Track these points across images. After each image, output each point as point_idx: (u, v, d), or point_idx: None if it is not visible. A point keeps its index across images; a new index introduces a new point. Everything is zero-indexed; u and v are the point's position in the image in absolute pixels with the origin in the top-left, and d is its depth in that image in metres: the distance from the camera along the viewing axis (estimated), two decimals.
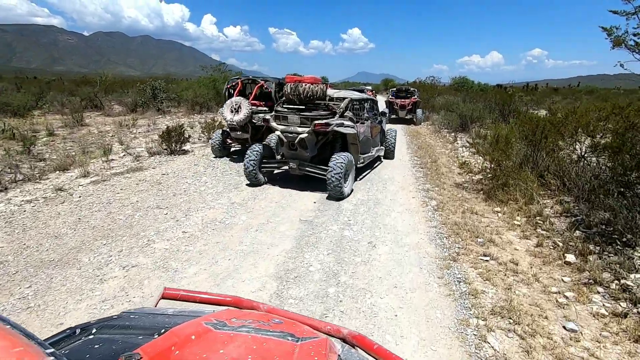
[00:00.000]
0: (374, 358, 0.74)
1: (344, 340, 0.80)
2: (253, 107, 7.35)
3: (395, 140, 7.65)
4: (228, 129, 7.51)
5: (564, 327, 2.42)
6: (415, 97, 14.47)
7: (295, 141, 5.01)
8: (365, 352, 0.76)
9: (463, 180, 6.07)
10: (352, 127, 5.15)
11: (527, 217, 4.33)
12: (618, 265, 3.04)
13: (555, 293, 2.81)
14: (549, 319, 2.51)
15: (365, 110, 6.22)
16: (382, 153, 7.34)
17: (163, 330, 0.65)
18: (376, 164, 7.24)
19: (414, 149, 9.00)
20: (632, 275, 2.88)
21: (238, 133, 7.40)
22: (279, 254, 3.42)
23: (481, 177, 5.95)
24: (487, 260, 3.30)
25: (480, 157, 6.00)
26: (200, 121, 11.83)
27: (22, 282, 2.85)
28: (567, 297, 2.75)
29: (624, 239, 3.44)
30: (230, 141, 7.88)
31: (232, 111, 7.09)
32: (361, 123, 5.72)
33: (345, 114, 5.25)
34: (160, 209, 4.50)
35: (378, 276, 3.03)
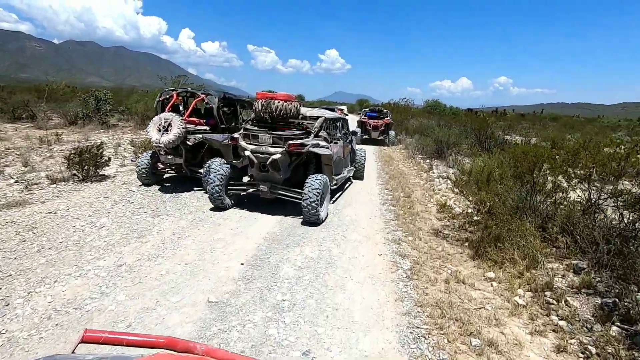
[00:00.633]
0: None
1: None
2: (189, 125, 5.95)
3: (365, 160, 7.42)
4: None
5: None
6: (388, 118, 14.38)
7: (267, 162, 4.61)
8: None
9: (442, 224, 4.88)
10: (327, 148, 4.86)
11: (533, 290, 3.14)
12: None
13: None
14: None
15: (337, 130, 6.06)
16: (352, 174, 7.01)
17: None
18: (346, 185, 6.82)
19: (386, 178, 7.82)
20: None
21: (169, 157, 5.93)
22: None
23: (464, 220, 4.80)
24: None
25: (463, 198, 4.86)
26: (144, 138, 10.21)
27: None
28: None
29: None
30: (162, 166, 6.40)
31: (159, 130, 5.64)
32: (334, 143, 5.43)
33: (319, 133, 4.97)
34: None
35: None
